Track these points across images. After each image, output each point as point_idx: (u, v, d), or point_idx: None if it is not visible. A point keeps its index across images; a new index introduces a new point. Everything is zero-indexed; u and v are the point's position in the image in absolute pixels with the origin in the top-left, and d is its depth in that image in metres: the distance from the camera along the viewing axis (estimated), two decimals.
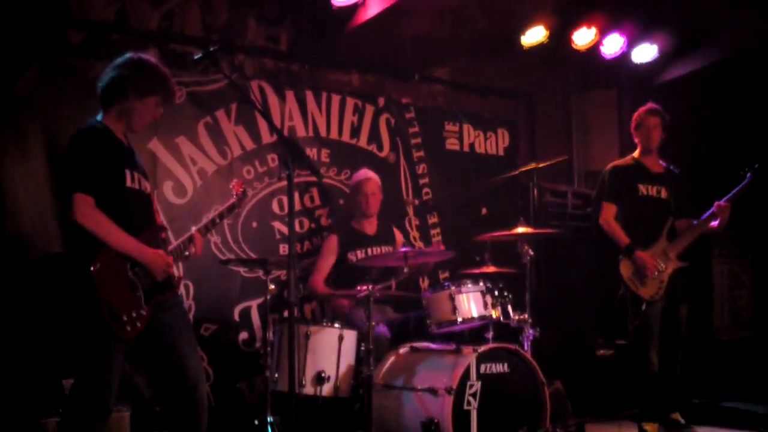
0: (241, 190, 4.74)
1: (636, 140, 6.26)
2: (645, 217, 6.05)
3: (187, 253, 4.30)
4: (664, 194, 6.12)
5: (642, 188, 6.10)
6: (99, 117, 4.16)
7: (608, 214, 6.12)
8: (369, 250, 6.21)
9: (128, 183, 4.05)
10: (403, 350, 5.40)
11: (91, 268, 3.79)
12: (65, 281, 4.00)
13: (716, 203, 5.98)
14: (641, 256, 5.88)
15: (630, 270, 5.93)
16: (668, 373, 5.98)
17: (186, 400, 4.11)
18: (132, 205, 4.06)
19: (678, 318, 5.99)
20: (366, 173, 6.38)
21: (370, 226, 6.37)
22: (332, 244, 6.21)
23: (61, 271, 4.19)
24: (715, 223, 6.01)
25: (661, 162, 6.26)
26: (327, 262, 6.18)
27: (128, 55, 4.18)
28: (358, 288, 5.21)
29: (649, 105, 6.27)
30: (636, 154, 6.27)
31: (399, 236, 6.53)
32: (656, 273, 5.88)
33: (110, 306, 3.80)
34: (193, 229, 4.39)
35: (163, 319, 4.09)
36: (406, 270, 5.29)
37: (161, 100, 4.21)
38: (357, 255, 6.15)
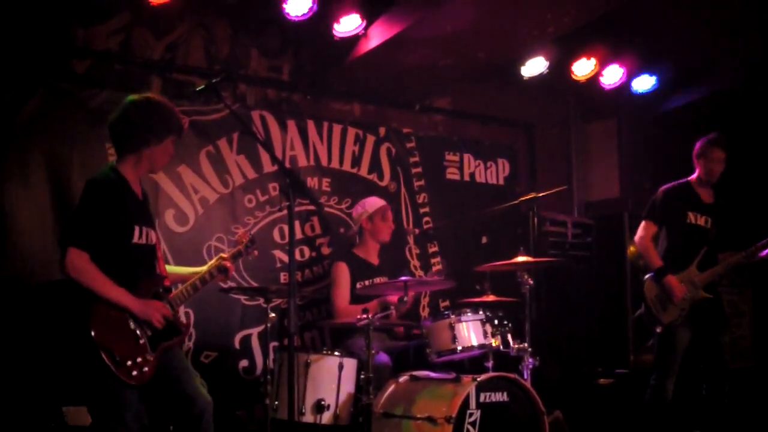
0: (249, 238, 4.80)
1: (696, 166, 6.15)
2: (684, 244, 6.01)
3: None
4: (709, 224, 6.07)
5: (691, 216, 6.04)
6: (114, 163, 4.20)
7: (647, 233, 6.09)
8: (375, 281, 6.20)
9: (135, 239, 4.09)
10: (402, 379, 5.39)
11: (90, 322, 3.84)
12: (62, 318, 4.07)
13: None
14: (670, 281, 5.86)
15: (654, 292, 5.93)
16: (716, 404, 5.95)
17: (194, 427, 4.18)
18: (136, 259, 4.12)
19: (721, 347, 5.95)
20: (381, 200, 6.43)
21: (374, 256, 6.38)
22: (344, 270, 6.18)
23: (62, 302, 4.20)
24: (764, 252, 5.98)
25: (712, 192, 6.20)
26: (345, 286, 6.13)
27: (134, 98, 4.21)
28: (358, 316, 5.22)
29: (715, 135, 6.15)
30: (693, 178, 6.18)
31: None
32: (676, 302, 5.87)
33: (113, 354, 3.83)
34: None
35: (171, 355, 4.17)
36: (406, 299, 5.31)
37: (177, 137, 4.28)
38: (365, 285, 6.15)
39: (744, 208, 6.21)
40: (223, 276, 4.58)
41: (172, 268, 4.63)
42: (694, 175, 6.18)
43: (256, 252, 4.95)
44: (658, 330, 5.92)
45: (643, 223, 6.15)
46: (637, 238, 6.15)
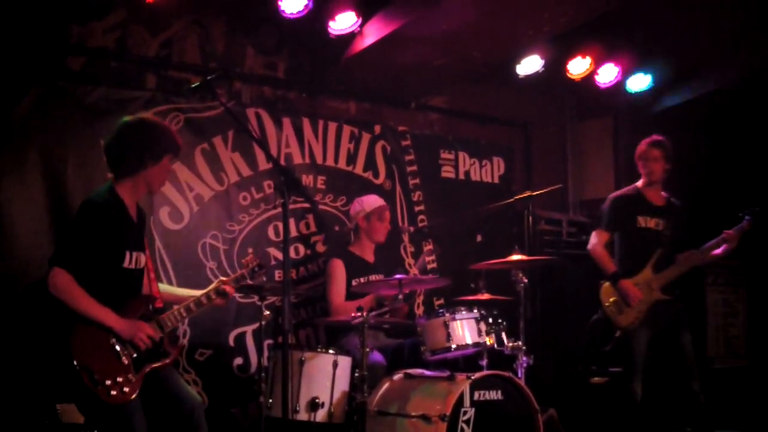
0: (257, 264, 4.78)
1: (640, 171, 6.28)
2: (636, 248, 6.10)
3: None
4: (661, 226, 6.15)
5: (641, 220, 6.15)
6: (112, 183, 4.22)
7: (598, 240, 6.22)
8: (370, 278, 6.21)
9: (125, 264, 4.13)
10: (397, 377, 5.39)
11: (71, 341, 3.89)
12: (49, 342, 4.10)
13: (725, 232, 6.03)
14: (625, 285, 5.94)
15: (610, 297, 5.98)
16: (692, 404, 5.99)
17: (186, 426, 4.19)
18: (124, 283, 4.16)
19: (681, 346, 6.00)
20: (380, 199, 6.42)
21: (370, 254, 6.38)
22: (340, 267, 6.20)
23: (51, 306, 4.21)
24: (719, 251, 6.04)
25: (663, 193, 6.28)
26: (341, 283, 6.15)
27: (127, 120, 4.24)
28: (353, 314, 5.22)
29: (652, 137, 6.29)
30: (639, 184, 6.30)
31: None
32: (632, 305, 5.92)
33: (92, 373, 3.86)
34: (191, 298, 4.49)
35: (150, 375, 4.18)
36: (401, 296, 5.32)
37: (173, 156, 4.31)
38: (360, 282, 6.16)
39: (737, 206, 6.21)
40: (223, 300, 4.57)
41: (168, 288, 4.67)
42: (641, 180, 6.29)
43: (264, 278, 4.92)
44: (617, 334, 5.97)
45: (594, 232, 6.29)
46: (589, 246, 6.26)
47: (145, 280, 4.40)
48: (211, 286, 4.55)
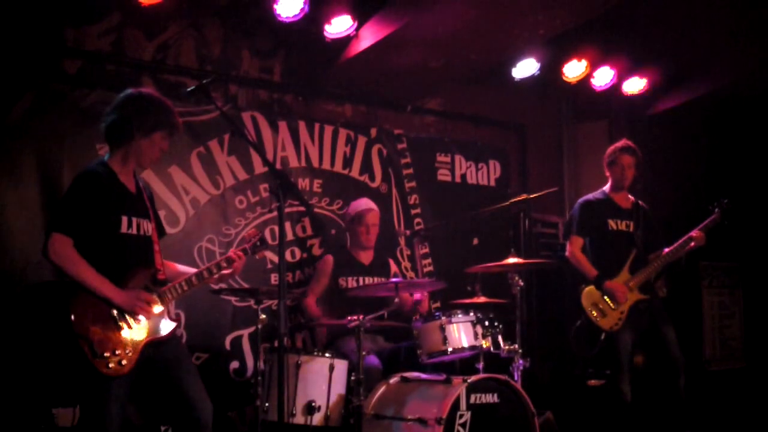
0: (259, 238, 4.67)
1: (608, 175, 6.32)
2: (611, 250, 6.13)
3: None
4: (632, 228, 6.19)
5: (612, 223, 6.18)
6: (106, 157, 4.19)
7: (575, 247, 6.23)
8: (362, 280, 6.22)
9: (123, 229, 4.07)
10: (393, 380, 5.39)
11: (70, 308, 3.82)
12: (48, 317, 4.04)
13: (693, 231, 6.10)
14: (611, 285, 5.96)
15: (591, 300, 6.00)
16: (673, 401, 5.99)
17: (192, 429, 4.15)
18: (125, 250, 4.07)
19: (666, 342, 6.01)
20: (368, 203, 6.40)
21: (366, 256, 6.39)
22: (327, 265, 6.24)
23: (47, 303, 4.19)
24: (690, 246, 6.08)
25: (629, 197, 6.33)
26: (320, 283, 6.22)
27: (128, 91, 4.19)
28: (349, 318, 5.22)
29: (624, 142, 6.31)
30: (607, 189, 6.34)
31: (394, 268, 6.55)
32: (620, 303, 5.93)
33: (91, 343, 3.80)
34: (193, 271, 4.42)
35: (163, 352, 4.12)
36: (396, 300, 5.32)
37: (167, 134, 4.21)
38: (348, 282, 6.18)
39: (732, 208, 6.23)
40: (228, 270, 4.46)
41: (175, 266, 4.56)
42: (608, 184, 6.33)
43: (264, 253, 4.86)
44: (602, 337, 5.98)
45: (569, 239, 6.28)
46: (567, 254, 6.26)
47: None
48: (214, 261, 4.47)
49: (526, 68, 7.13)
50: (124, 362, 3.88)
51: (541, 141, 8.51)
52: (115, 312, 3.93)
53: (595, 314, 5.97)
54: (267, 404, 5.17)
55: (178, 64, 6.38)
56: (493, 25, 6.13)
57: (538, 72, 7.13)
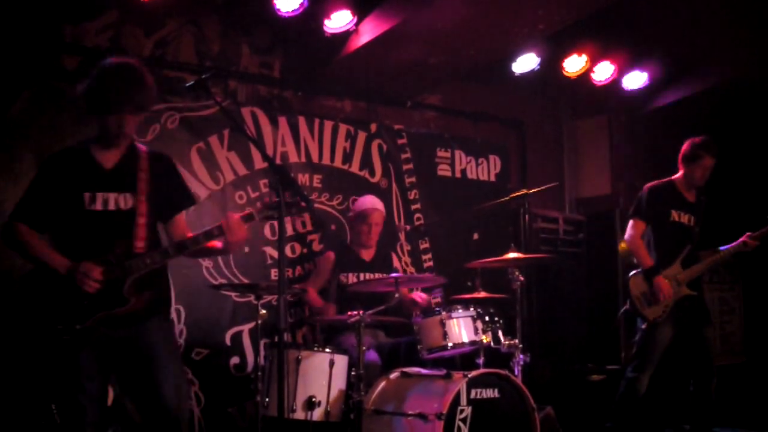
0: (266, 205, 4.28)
1: (681, 167, 6.21)
2: (669, 242, 6.08)
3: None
4: (692, 222, 6.14)
5: (674, 214, 6.11)
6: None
7: (636, 231, 6.15)
8: (362, 276, 6.22)
9: (87, 206, 3.99)
10: (393, 375, 5.39)
11: (29, 286, 3.90)
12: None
13: (746, 236, 6.06)
14: (660, 282, 5.92)
15: (640, 289, 5.98)
16: (703, 400, 5.99)
17: (161, 424, 4.03)
18: (91, 226, 3.99)
19: (706, 342, 6.01)
20: (374, 203, 6.40)
21: (367, 253, 6.40)
22: (327, 262, 6.26)
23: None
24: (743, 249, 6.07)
25: (693, 191, 6.26)
26: (320, 278, 6.25)
27: (108, 61, 4.04)
28: (349, 313, 5.22)
29: (708, 140, 6.17)
30: (675, 178, 6.25)
31: (396, 263, 6.56)
32: (661, 301, 5.92)
33: (49, 316, 3.84)
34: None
35: (144, 342, 4.02)
36: (397, 295, 5.32)
37: (134, 113, 4.03)
38: (349, 278, 6.18)
39: (732, 205, 6.23)
40: (219, 241, 4.21)
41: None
42: (679, 175, 6.24)
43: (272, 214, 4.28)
44: (643, 326, 5.98)
45: (631, 222, 6.20)
46: (627, 236, 6.19)
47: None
48: (203, 231, 4.20)
49: (526, 63, 7.12)
50: (80, 333, 3.87)
51: (541, 136, 8.52)
52: (70, 284, 3.88)
53: (642, 303, 5.96)
54: (267, 400, 5.16)
55: (177, 60, 6.37)
56: (492, 20, 6.12)
57: (538, 67, 7.12)
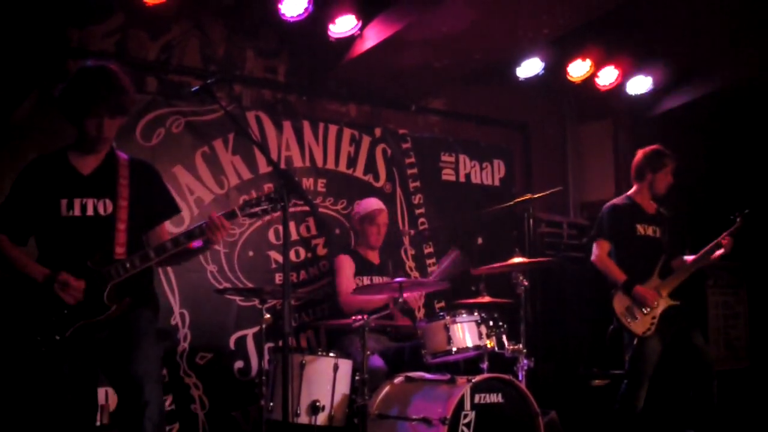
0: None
1: (641, 179, 6.24)
2: (640, 256, 6.07)
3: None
4: (658, 234, 6.16)
5: (640, 228, 6.13)
6: None
7: (602, 251, 6.15)
8: (374, 279, 6.23)
9: (63, 212, 3.97)
10: (397, 380, 5.40)
11: (13, 298, 3.86)
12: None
13: (723, 236, 6.05)
14: (641, 290, 5.91)
15: (623, 305, 5.96)
16: (704, 404, 5.96)
17: (136, 417, 3.85)
18: (68, 233, 3.97)
19: (697, 348, 5.98)
20: (378, 203, 6.40)
21: (374, 255, 6.41)
22: (347, 261, 6.22)
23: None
24: (718, 252, 6.05)
25: (652, 203, 6.29)
26: (347, 277, 6.15)
27: (86, 65, 4.04)
28: (353, 318, 5.23)
29: (662, 148, 6.24)
30: (631, 193, 6.29)
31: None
32: (651, 308, 5.91)
33: (31, 327, 3.80)
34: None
35: (127, 327, 3.98)
36: (401, 300, 5.33)
37: (109, 116, 3.98)
38: (363, 281, 6.18)
39: (736, 208, 6.22)
40: (198, 241, 4.13)
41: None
42: (636, 189, 6.28)
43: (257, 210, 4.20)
44: (635, 342, 5.96)
45: (595, 243, 6.20)
46: (594, 257, 6.18)
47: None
48: (185, 231, 4.17)
49: (530, 68, 7.14)
50: (56, 344, 3.83)
51: (545, 141, 8.51)
52: (50, 295, 3.85)
53: (628, 319, 5.93)
54: (271, 404, 5.17)
55: (183, 64, 6.38)
56: (497, 25, 6.13)
57: (543, 71, 7.13)
